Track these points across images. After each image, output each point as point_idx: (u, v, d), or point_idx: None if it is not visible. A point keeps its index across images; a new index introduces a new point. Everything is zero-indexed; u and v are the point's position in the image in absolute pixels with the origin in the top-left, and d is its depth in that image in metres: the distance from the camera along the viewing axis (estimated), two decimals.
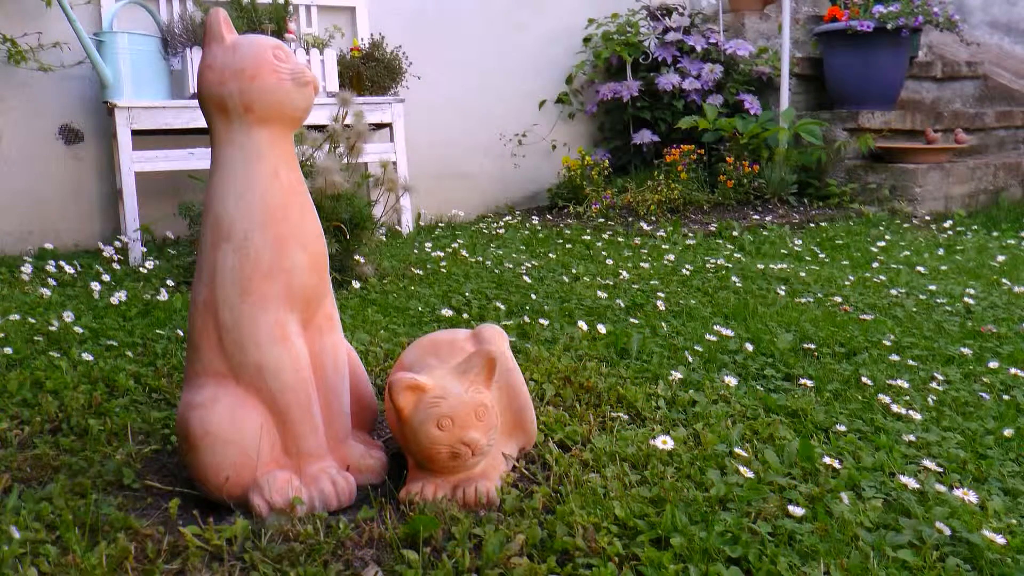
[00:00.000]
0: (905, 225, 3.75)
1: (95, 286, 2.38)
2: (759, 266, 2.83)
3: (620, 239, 3.39)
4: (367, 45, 3.71)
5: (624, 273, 2.69)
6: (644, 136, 4.34)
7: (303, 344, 1.15)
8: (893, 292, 2.49)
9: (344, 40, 3.83)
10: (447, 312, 2.14)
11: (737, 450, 1.28)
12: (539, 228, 3.70)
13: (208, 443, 1.08)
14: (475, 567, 0.98)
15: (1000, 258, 3.05)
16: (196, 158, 3.12)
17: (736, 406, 1.51)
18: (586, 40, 4.58)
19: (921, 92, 5.01)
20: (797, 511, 1.08)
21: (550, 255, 3.07)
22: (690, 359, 1.78)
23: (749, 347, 1.85)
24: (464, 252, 3.06)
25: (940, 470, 1.27)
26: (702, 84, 4.29)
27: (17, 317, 2.01)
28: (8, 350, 1.75)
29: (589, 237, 3.41)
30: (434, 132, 4.14)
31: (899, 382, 1.64)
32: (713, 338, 1.92)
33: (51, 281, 2.57)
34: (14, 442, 1.34)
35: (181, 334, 1.94)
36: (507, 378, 1.21)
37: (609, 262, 2.91)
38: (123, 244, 3.08)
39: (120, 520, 1.07)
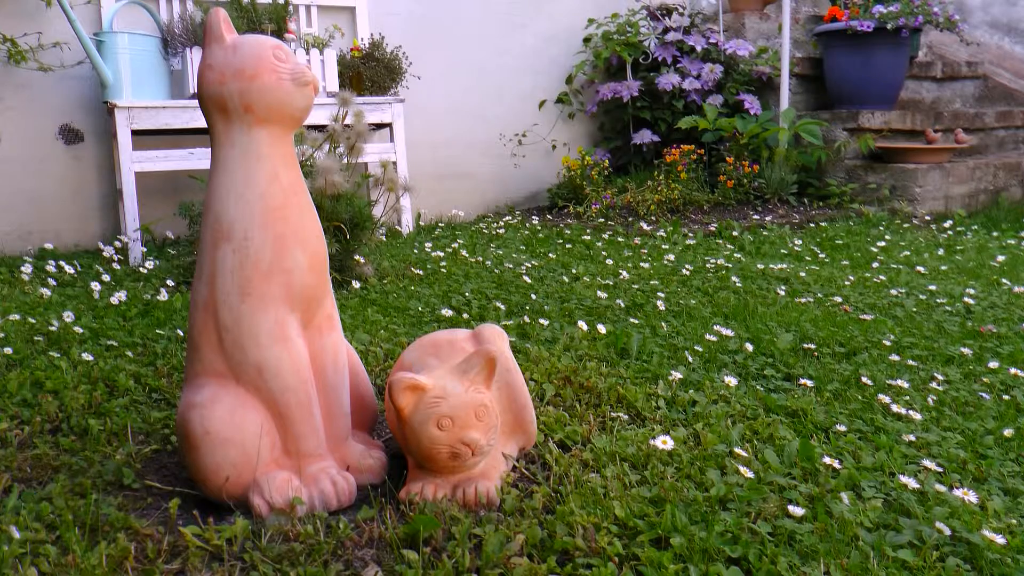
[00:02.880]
0: (905, 225, 3.75)
1: (95, 286, 2.38)
2: (759, 266, 2.83)
3: (620, 239, 3.39)
4: (367, 45, 3.71)
5: (624, 273, 2.69)
6: (644, 136, 4.34)
7: (303, 344, 1.15)
8: (893, 292, 2.49)
9: (344, 40, 3.83)
10: (447, 312, 2.14)
11: (737, 450, 1.28)
12: (539, 228, 3.70)
13: (208, 443, 1.08)
14: (475, 567, 0.98)
15: (1000, 258, 3.05)
16: (196, 158, 3.12)
17: (736, 406, 1.51)
18: (586, 40, 4.58)
19: (921, 92, 5.01)
20: (797, 511, 1.08)
21: (550, 255, 3.07)
22: (690, 359, 1.78)
23: (749, 347, 1.85)
24: (464, 252, 3.06)
25: (940, 470, 1.27)
26: (702, 84, 4.29)
27: (17, 317, 2.01)
28: (8, 350, 1.75)
29: (589, 237, 3.41)
30: (434, 132, 4.14)
31: (899, 382, 1.64)
32: (713, 338, 1.92)
33: (51, 281, 2.57)
34: (14, 442, 1.34)
35: (181, 334, 1.94)
36: (507, 378, 1.21)
37: (609, 262, 2.91)
38: (123, 244, 3.08)
39: (120, 520, 1.07)
